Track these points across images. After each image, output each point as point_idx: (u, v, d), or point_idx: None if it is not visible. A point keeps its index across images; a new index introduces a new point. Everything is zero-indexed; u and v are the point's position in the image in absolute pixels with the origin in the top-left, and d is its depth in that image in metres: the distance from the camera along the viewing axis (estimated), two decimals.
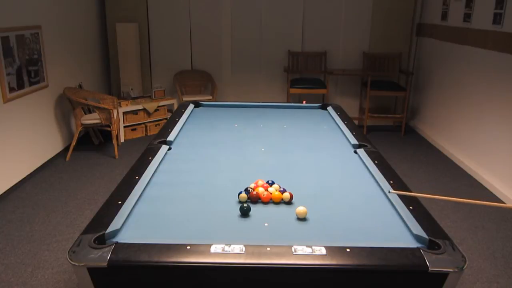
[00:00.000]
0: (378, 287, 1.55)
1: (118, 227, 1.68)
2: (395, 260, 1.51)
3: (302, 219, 1.83)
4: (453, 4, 5.11)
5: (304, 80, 5.99)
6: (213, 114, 3.55)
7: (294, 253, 1.52)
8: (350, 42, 6.13)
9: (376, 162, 2.42)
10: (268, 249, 1.53)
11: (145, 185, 2.09)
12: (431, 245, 1.59)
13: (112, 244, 1.54)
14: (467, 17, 4.76)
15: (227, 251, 1.51)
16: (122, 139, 5.42)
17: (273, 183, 2.08)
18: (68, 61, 5.07)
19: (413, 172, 4.61)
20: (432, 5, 5.71)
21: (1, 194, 3.80)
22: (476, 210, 3.80)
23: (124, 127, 5.49)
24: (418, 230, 1.68)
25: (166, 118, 5.79)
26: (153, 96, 5.80)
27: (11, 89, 3.91)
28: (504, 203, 3.95)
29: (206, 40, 6.11)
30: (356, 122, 6.17)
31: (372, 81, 5.76)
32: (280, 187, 2.04)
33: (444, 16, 5.31)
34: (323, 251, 1.52)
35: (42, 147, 4.52)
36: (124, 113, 5.43)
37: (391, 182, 2.15)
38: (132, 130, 5.59)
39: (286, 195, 1.97)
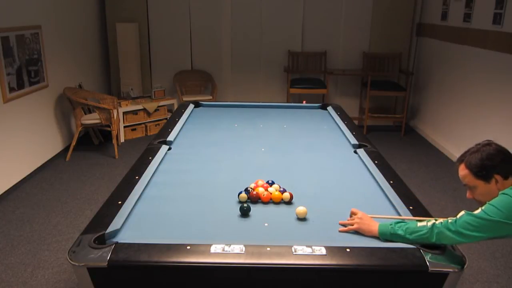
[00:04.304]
0: (378, 287, 1.55)
1: (118, 227, 1.68)
2: (395, 260, 1.51)
3: (302, 219, 1.83)
4: (453, 4, 5.11)
5: (304, 80, 5.98)
6: (213, 114, 3.55)
7: (294, 253, 1.52)
8: (350, 42, 6.12)
9: (376, 162, 2.42)
10: (268, 249, 1.53)
11: (145, 185, 2.09)
12: (431, 245, 1.59)
13: (112, 244, 1.54)
14: (467, 17, 4.76)
15: (227, 251, 1.51)
16: (122, 139, 5.42)
17: (273, 183, 2.08)
18: (68, 61, 5.07)
19: (413, 172, 4.61)
20: (432, 5, 5.71)
21: (1, 194, 3.80)
22: None
23: (124, 127, 5.49)
24: None
25: (166, 118, 5.78)
26: (153, 96, 5.79)
27: (11, 89, 3.90)
28: None
29: (206, 40, 6.11)
30: (356, 122, 6.16)
31: (372, 81, 5.76)
32: (280, 187, 2.04)
33: (444, 16, 5.31)
34: (323, 251, 1.52)
35: (42, 147, 4.51)
36: (124, 113, 5.43)
37: (391, 182, 2.15)
38: (132, 130, 5.59)
39: (286, 195, 1.97)
